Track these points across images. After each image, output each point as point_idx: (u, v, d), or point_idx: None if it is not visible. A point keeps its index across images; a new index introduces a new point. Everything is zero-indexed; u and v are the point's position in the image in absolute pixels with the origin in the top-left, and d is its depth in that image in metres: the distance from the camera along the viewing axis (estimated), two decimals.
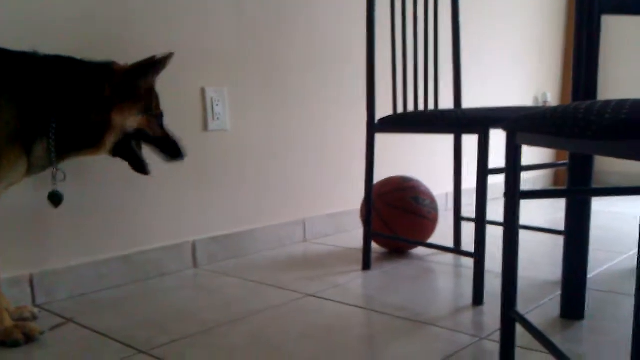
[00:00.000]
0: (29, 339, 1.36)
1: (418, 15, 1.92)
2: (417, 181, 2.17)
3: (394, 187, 2.12)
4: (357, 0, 2.45)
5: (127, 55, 1.76)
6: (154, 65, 1.42)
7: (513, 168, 1.19)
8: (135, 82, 1.41)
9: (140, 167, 1.50)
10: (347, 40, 2.46)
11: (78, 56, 1.40)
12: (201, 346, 1.33)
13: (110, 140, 1.41)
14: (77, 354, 1.30)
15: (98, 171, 1.76)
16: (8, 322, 1.36)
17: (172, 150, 1.51)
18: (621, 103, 0.88)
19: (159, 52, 1.85)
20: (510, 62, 3.50)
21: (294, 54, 2.28)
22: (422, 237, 2.11)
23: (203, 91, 2.00)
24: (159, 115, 1.50)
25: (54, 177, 1.38)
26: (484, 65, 3.26)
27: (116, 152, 1.45)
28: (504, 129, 1.22)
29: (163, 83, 1.88)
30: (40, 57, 1.34)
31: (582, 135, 0.89)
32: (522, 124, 1.13)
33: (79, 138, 1.37)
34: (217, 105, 2.03)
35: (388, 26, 1.90)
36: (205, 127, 2.02)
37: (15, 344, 1.34)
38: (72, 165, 1.69)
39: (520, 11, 3.53)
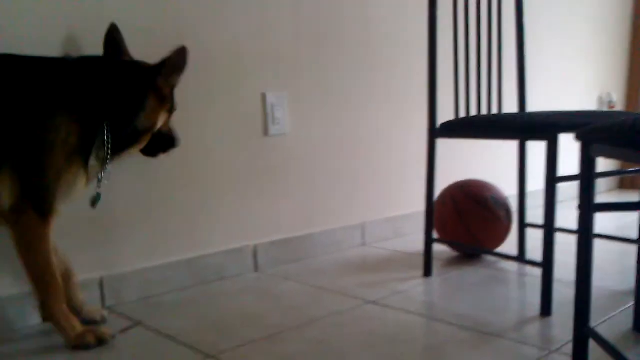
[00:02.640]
0: (101, 342, 1.40)
1: (481, 15, 1.87)
2: (496, 187, 2.17)
3: (477, 185, 2.12)
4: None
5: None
6: (183, 63, 1.43)
7: (587, 181, 1.14)
8: (172, 83, 1.45)
9: (172, 144, 1.55)
10: (407, 41, 2.44)
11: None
12: (265, 352, 1.34)
13: (147, 139, 1.45)
14: (147, 357, 1.34)
15: (162, 176, 1.80)
16: (79, 328, 1.40)
17: (171, 142, 1.55)
18: None
19: (218, 58, 1.88)
20: (574, 61, 3.39)
21: (353, 56, 2.27)
22: (495, 239, 2.08)
23: (264, 96, 2.01)
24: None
25: (100, 180, 1.40)
26: (546, 64, 3.16)
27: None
28: (578, 139, 1.18)
29: (224, 89, 1.91)
30: (79, 61, 1.35)
31: None
32: (598, 136, 1.08)
33: (127, 142, 1.40)
34: (277, 110, 2.05)
35: (450, 27, 1.86)
36: (265, 132, 2.03)
37: (87, 347, 1.38)
38: (137, 170, 1.73)
39: (584, 8, 3.41)
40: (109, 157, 1.36)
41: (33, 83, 1.27)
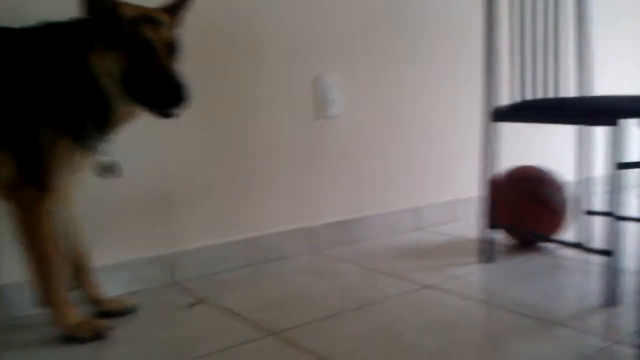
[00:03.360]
0: (97, 335, 1.33)
1: None
2: (553, 174, 2.10)
3: (531, 175, 2.07)
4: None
5: (236, 42, 1.81)
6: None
7: None
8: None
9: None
10: (460, 23, 2.40)
11: None
12: (326, 332, 1.37)
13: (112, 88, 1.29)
14: (214, 333, 1.39)
15: (222, 158, 1.84)
16: (75, 318, 1.33)
17: (166, 87, 1.26)
18: None
19: (272, 41, 1.89)
20: None
21: (407, 39, 2.26)
22: (549, 231, 2.03)
23: (318, 79, 2.02)
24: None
25: (100, 150, 1.34)
26: (612, 45, 3.05)
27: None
28: None
29: (278, 72, 1.93)
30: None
31: None
32: None
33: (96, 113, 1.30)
34: (331, 92, 2.05)
35: (505, 5, 1.83)
36: (319, 114, 2.04)
37: (80, 341, 1.31)
38: (198, 152, 1.78)
39: None
40: (93, 124, 1.28)
41: (17, 60, 1.26)
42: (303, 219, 2.05)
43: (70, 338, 1.32)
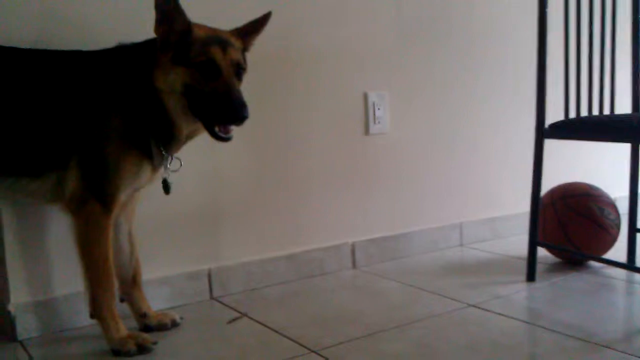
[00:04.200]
0: (143, 349, 1.37)
1: (594, 8, 1.80)
2: (603, 191, 2.06)
3: (581, 192, 2.03)
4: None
5: (286, 59, 1.85)
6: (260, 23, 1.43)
7: None
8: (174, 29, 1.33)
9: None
10: (511, 38, 2.38)
11: None
12: (367, 351, 1.37)
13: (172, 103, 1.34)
14: (255, 348, 1.40)
15: (266, 173, 1.87)
16: (123, 332, 1.38)
17: (226, 105, 1.29)
18: None
19: (321, 58, 1.92)
20: None
21: (453, 55, 2.25)
22: (598, 250, 1.99)
23: (365, 95, 2.04)
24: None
25: (166, 167, 1.39)
26: None
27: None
28: None
29: (327, 89, 1.95)
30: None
31: None
32: None
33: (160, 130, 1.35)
34: (378, 109, 2.06)
35: (559, 22, 1.80)
36: (366, 131, 2.06)
37: (127, 354, 1.35)
38: (242, 167, 1.81)
39: None
40: (159, 141, 1.34)
41: (88, 79, 1.32)
42: (346, 234, 2.06)
43: (118, 352, 1.36)
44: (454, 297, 1.72)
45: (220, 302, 1.74)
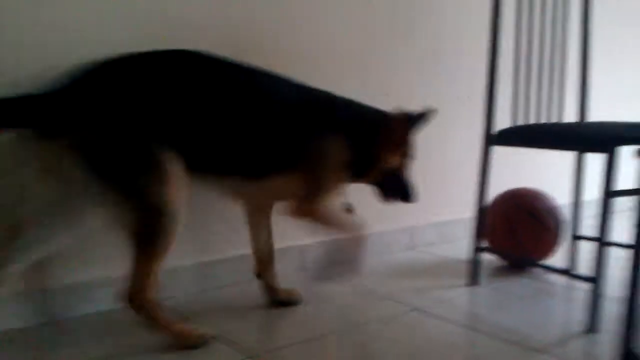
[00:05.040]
0: (296, 302, 1.71)
1: (545, 18, 1.85)
2: (549, 196, 2.16)
3: (530, 195, 2.13)
4: (477, 6, 2.40)
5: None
6: (422, 119, 1.66)
7: None
8: (405, 131, 1.65)
9: (406, 195, 1.70)
10: (462, 46, 2.42)
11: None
12: (305, 356, 1.37)
13: (375, 173, 1.66)
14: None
15: None
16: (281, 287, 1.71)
17: (404, 193, 1.70)
18: None
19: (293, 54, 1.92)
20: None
21: (410, 62, 2.28)
22: (544, 251, 2.07)
23: None
24: (409, 160, 1.71)
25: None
26: (612, 72, 3.07)
27: (377, 182, 1.70)
28: (637, 155, 1.16)
29: None
30: (340, 100, 1.63)
31: None
32: None
33: (361, 168, 1.63)
34: None
35: (511, 31, 1.85)
36: None
37: (293, 303, 1.70)
38: None
39: None
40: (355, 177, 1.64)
41: (313, 112, 1.55)
42: (294, 238, 2.06)
43: (282, 302, 1.70)
44: (399, 301, 1.74)
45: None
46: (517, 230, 2.04)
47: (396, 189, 1.69)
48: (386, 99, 2.17)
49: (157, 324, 1.38)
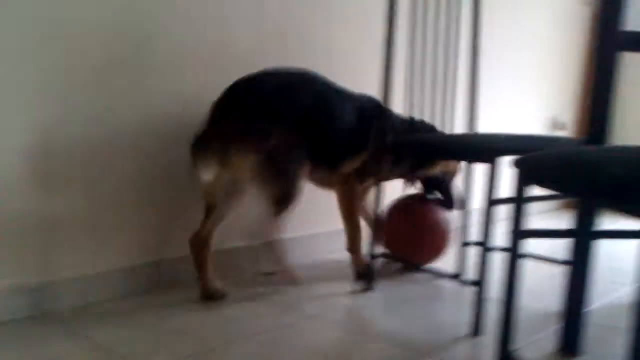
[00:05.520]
0: (371, 276, 1.98)
1: (439, 32, 1.93)
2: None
3: (418, 197, 2.23)
4: (373, 23, 2.45)
5: (147, 59, 1.77)
6: None
7: (518, 207, 1.19)
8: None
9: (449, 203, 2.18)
10: (357, 60, 2.46)
11: None
12: None
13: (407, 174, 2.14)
14: None
15: (107, 180, 1.77)
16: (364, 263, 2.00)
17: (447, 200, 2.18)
18: (626, 155, 0.88)
19: (181, 56, 1.87)
20: (528, 83, 3.48)
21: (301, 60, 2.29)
22: (439, 251, 2.17)
23: None
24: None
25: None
26: (499, 86, 3.24)
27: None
28: (513, 166, 1.22)
29: (183, 91, 1.89)
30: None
31: (587, 191, 0.89)
32: (529, 166, 1.13)
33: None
34: None
35: (404, 43, 1.91)
36: None
37: (365, 276, 1.97)
38: (83, 176, 1.71)
39: (538, 31, 3.51)
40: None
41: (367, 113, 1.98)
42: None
43: (361, 274, 2.01)
44: (295, 308, 1.74)
45: (49, 318, 1.62)
46: (416, 235, 2.13)
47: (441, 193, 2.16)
48: None
49: (203, 269, 1.81)
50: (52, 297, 1.68)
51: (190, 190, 1.96)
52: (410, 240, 2.12)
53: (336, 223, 2.43)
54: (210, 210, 1.83)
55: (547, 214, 3.66)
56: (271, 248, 1.88)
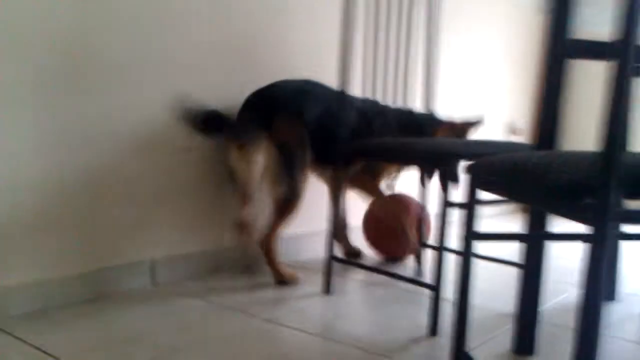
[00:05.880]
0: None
1: (389, 38, 1.96)
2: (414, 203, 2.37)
3: (396, 201, 2.36)
4: (329, 33, 2.47)
5: (87, 68, 1.75)
6: (473, 125, 2.19)
7: (470, 211, 1.21)
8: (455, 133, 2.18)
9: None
10: (316, 48, 2.48)
11: None
12: None
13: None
14: None
15: (61, 186, 1.74)
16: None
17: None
18: (570, 160, 0.91)
19: (131, 61, 1.85)
20: (485, 89, 3.56)
21: (273, 60, 2.30)
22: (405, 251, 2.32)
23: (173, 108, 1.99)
24: None
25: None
26: (456, 92, 3.31)
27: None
28: (465, 171, 1.24)
29: (132, 97, 1.87)
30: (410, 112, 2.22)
31: (533, 196, 0.92)
32: (477, 171, 1.16)
33: None
34: None
35: (359, 55, 1.93)
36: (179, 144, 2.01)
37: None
38: (38, 179, 1.67)
39: (496, 34, 3.59)
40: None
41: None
42: (147, 251, 1.98)
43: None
44: (253, 313, 1.74)
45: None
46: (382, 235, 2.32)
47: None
48: (225, 95, 2.19)
49: (271, 262, 2.04)
50: (2, 304, 1.64)
51: (127, 204, 1.94)
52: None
53: (292, 226, 2.45)
54: (246, 201, 2.05)
55: (505, 216, 3.74)
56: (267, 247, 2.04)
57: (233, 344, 1.50)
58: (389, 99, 2.14)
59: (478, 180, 1.17)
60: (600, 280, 0.78)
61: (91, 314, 1.70)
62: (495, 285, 2.10)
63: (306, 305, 1.83)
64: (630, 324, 1.75)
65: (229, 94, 2.15)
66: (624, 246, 2.50)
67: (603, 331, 0.76)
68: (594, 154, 0.86)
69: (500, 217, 3.70)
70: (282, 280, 2.03)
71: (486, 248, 2.65)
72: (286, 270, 2.06)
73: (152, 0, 1.90)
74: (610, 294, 1.95)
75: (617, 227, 0.78)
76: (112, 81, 1.83)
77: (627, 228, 1.49)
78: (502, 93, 3.76)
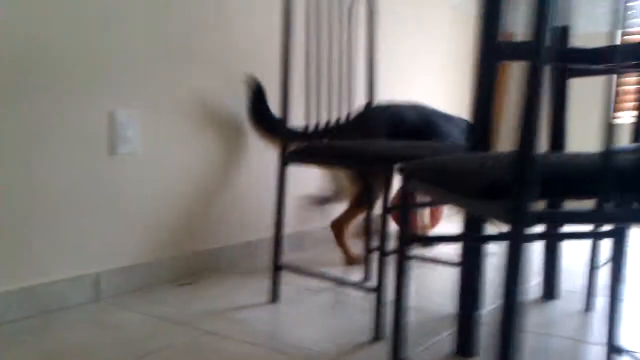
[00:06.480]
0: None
1: (332, 38, 1.96)
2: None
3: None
4: (270, 29, 2.47)
5: (36, 64, 1.70)
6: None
7: (405, 213, 1.22)
8: None
9: None
10: (259, 60, 2.47)
11: None
12: None
13: None
14: None
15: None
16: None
17: None
18: (491, 162, 0.92)
19: (73, 65, 1.80)
20: (426, 91, 3.61)
21: (199, 77, 2.27)
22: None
23: (110, 114, 1.95)
24: None
25: None
26: (396, 94, 3.34)
27: None
28: (400, 173, 1.25)
29: (66, 106, 1.82)
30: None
31: (457, 198, 0.92)
32: (413, 172, 1.16)
33: None
34: (125, 129, 1.98)
35: (301, 50, 1.93)
36: (112, 152, 1.96)
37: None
38: None
39: (435, 42, 3.65)
40: None
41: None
42: (90, 264, 1.93)
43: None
44: (195, 325, 1.70)
45: None
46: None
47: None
48: (182, 126, 2.17)
49: (342, 244, 2.38)
50: None
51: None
52: None
53: (238, 236, 2.43)
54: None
55: (454, 217, 3.78)
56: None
57: (175, 359, 1.47)
58: (333, 99, 2.14)
59: (410, 183, 1.17)
60: (517, 279, 0.79)
61: (33, 330, 1.64)
62: (438, 285, 2.12)
63: (251, 315, 1.80)
64: (570, 321, 1.78)
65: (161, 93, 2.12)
66: (565, 245, 2.56)
67: (524, 329, 0.77)
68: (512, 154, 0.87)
69: (451, 217, 3.74)
70: (352, 262, 2.36)
71: (437, 249, 2.67)
72: (354, 253, 2.38)
73: (89, 2, 1.86)
74: (550, 291, 1.99)
75: (530, 226, 0.79)
76: (57, 85, 1.78)
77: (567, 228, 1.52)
78: (445, 95, 3.82)
